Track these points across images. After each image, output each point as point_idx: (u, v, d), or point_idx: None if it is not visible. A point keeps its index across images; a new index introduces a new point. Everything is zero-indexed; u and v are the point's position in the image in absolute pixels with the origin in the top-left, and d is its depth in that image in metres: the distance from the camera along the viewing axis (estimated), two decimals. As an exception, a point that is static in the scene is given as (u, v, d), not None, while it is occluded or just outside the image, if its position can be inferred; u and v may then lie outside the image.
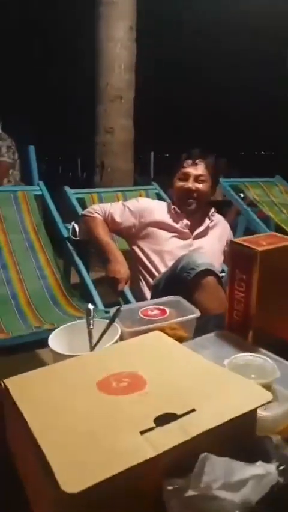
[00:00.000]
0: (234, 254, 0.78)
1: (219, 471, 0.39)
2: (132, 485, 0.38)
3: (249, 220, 2.46)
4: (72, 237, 1.73)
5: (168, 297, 0.92)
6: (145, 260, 1.58)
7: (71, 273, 1.86)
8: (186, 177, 1.60)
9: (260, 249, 0.73)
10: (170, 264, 1.51)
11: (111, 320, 0.77)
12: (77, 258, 1.71)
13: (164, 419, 0.43)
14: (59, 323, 1.28)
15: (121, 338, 0.75)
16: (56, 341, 0.74)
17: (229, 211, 4.01)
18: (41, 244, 1.73)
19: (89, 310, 0.81)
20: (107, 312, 1.32)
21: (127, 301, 1.51)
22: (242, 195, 2.71)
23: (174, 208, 1.61)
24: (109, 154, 2.75)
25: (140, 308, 0.87)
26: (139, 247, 1.61)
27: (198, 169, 1.59)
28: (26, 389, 0.51)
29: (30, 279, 1.60)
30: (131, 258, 1.61)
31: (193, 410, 0.44)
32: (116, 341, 0.71)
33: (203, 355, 0.70)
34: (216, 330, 0.81)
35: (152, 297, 1.47)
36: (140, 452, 0.38)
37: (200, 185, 1.59)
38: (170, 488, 0.40)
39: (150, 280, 1.55)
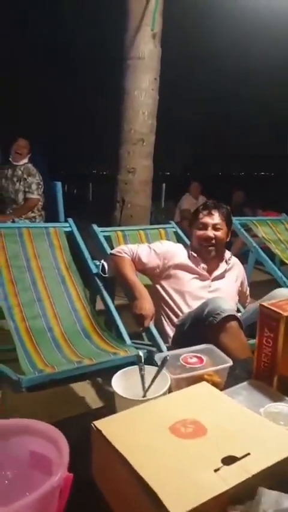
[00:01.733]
0: (263, 315, 0.95)
1: (272, 501, 0.54)
2: (209, 509, 0.54)
3: (258, 256, 2.66)
4: (101, 273, 1.89)
5: (202, 345, 1.08)
6: (168, 299, 1.74)
7: (97, 300, 2.03)
8: (204, 226, 1.77)
9: (285, 314, 0.90)
10: (191, 303, 1.68)
11: (160, 368, 0.93)
12: (105, 293, 1.87)
13: (227, 460, 0.58)
14: (96, 357, 1.44)
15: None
16: (115, 385, 0.90)
17: (236, 240, 4.21)
18: (72, 280, 1.90)
19: (140, 357, 0.96)
20: (135, 348, 1.48)
21: (152, 337, 1.67)
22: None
23: (192, 254, 1.79)
24: (130, 192, 2.97)
25: (178, 355, 1.03)
26: (162, 286, 1.77)
27: (214, 218, 1.77)
28: (115, 430, 0.66)
29: (63, 312, 1.76)
30: (154, 295, 1.78)
31: (248, 454, 0.59)
32: (168, 388, 0.87)
33: (239, 401, 0.86)
34: (244, 377, 0.97)
35: (176, 336, 1.62)
36: (218, 485, 0.53)
37: (218, 233, 1.77)
38: (233, 512, 0.56)
39: (173, 317, 1.71)
